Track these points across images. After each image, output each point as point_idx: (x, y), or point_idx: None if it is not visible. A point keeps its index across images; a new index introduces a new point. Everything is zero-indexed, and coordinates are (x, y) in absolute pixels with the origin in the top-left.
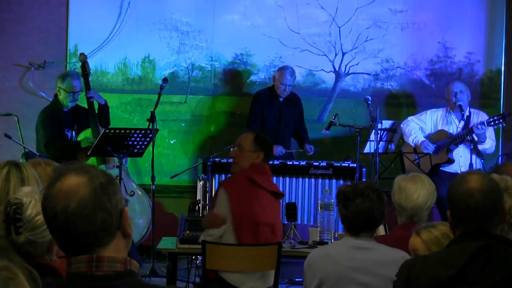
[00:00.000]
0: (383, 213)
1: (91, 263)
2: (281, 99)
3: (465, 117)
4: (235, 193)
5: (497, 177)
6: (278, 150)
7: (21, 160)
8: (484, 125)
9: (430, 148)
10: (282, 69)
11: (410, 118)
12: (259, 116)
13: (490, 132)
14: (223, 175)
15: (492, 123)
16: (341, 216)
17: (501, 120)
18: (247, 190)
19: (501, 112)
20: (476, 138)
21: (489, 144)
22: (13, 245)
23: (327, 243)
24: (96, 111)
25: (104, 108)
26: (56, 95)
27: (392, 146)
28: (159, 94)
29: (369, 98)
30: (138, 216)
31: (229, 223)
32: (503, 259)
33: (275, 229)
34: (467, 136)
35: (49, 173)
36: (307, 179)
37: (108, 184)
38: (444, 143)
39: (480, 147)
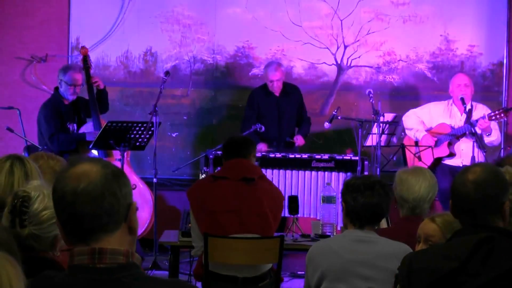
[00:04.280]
0: (388, 208)
1: (93, 255)
2: (277, 94)
3: (467, 110)
4: (192, 191)
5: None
6: (259, 147)
7: (23, 154)
8: (485, 119)
9: (431, 143)
10: (267, 67)
11: (412, 111)
12: (252, 116)
13: (494, 125)
14: None
15: (494, 118)
16: (347, 207)
17: (502, 115)
18: (204, 185)
19: (503, 106)
20: (479, 132)
21: (495, 136)
22: (17, 238)
23: (329, 236)
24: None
25: (104, 91)
26: (56, 88)
27: (394, 139)
28: (161, 87)
29: (371, 91)
30: (140, 209)
31: (193, 219)
32: (505, 251)
33: (242, 215)
34: (469, 129)
35: (52, 166)
36: (309, 172)
37: (120, 175)
38: (445, 137)
39: (486, 140)
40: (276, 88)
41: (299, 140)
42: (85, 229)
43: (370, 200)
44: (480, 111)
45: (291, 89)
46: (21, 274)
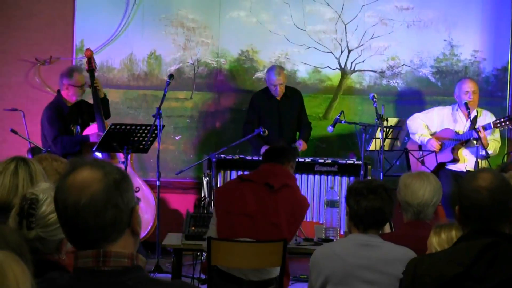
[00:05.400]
0: (391, 212)
1: (98, 258)
2: (278, 98)
3: (471, 116)
4: (219, 189)
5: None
6: (262, 150)
7: (27, 155)
8: (490, 126)
9: (436, 148)
10: (269, 70)
11: (416, 115)
12: (254, 120)
13: (496, 133)
14: (228, 172)
15: (499, 125)
16: (350, 211)
17: (507, 123)
18: (230, 185)
19: (508, 114)
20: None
21: (492, 147)
22: (23, 240)
23: (332, 240)
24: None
25: (104, 99)
26: (59, 91)
27: (398, 144)
28: (165, 90)
29: (375, 95)
30: (143, 212)
31: (214, 214)
32: (511, 257)
33: (256, 221)
34: (473, 135)
35: (56, 168)
36: (312, 176)
37: (121, 181)
38: (450, 142)
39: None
40: (278, 91)
41: (301, 145)
42: (89, 240)
43: (373, 204)
44: (485, 117)
45: (292, 93)
46: (28, 274)
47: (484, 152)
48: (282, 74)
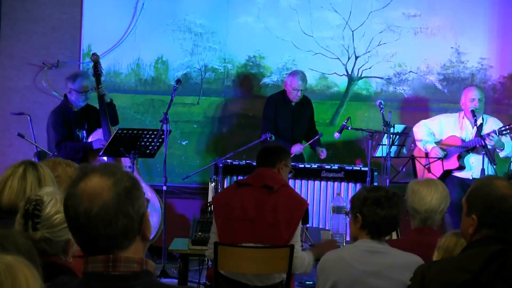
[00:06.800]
0: (400, 218)
1: (107, 263)
2: (293, 103)
3: (477, 123)
4: (217, 197)
5: None
6: (297, 148)
7: (33, 159)
8: (496, 134)
9: (441, 155)
10: (293, 75)
11: (422, 122)
12: (273, 121)
13: (506, 138)
14: (234, 177)
15: (504, 132)
16: (364, 220)
17: None
18: (228, 192)
19: None
20: (490, 146)
21: (509, 149)
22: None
23: (339, 246)
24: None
25: (111, 105)
26: (66, 95)
27: (404, 150)
28: (172, 95)
29: (382, 102)
30: (150, 217)
31: (214, 222)
32: None
33: (256, 224)
34: (479, 143)
35: (70, 174)
36: (318, 182)
37: (132, 189)
38: (456, 150)
39: (501, 154)
40: (297, 97)
41: (325, 152)
42: (100, 247)
43: (390, 212)
44: (492, 124)
45: (305, 101)
46: (39, 279)
47: (502, 154)
48: (305, 80)
